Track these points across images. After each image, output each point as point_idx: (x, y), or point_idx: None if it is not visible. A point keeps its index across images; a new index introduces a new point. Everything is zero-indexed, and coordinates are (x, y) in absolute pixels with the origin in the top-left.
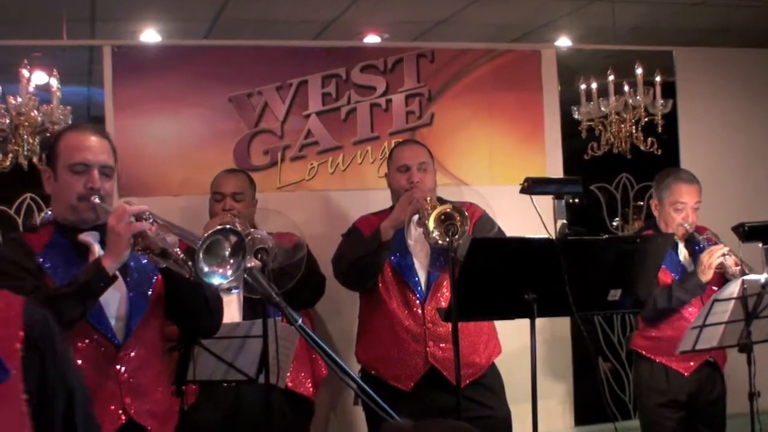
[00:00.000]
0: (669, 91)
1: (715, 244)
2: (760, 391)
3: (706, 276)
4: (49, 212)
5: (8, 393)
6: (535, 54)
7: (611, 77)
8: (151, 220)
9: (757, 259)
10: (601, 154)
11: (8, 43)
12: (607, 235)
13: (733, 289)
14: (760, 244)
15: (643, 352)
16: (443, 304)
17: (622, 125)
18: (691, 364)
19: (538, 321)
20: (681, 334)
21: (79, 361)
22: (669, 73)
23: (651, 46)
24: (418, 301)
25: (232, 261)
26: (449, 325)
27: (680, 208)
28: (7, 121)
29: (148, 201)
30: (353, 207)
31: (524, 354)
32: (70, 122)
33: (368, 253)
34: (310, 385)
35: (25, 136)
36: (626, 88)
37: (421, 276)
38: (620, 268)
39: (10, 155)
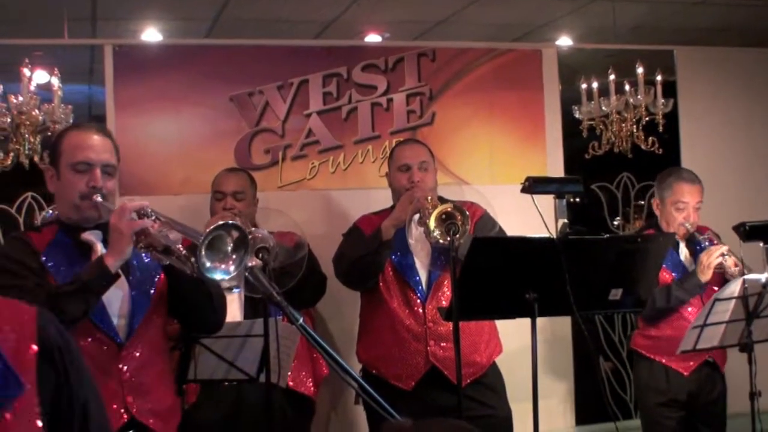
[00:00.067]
0: (670, 90)
1: (716, 244)
2: (761, 390)
3: (706, 276)
4: (50, 211)
5: (23, 407)
6: (536, 53)
7: (612, 76)
8: (153, 218)
9: (758, 259)
10: (602, 153)
11: (9, 42)
12: (608, 235)
13: (734, 288)
14: (761, 244)
15: (643, 352)
16: (444, 304)
17: (623, 124)
18: (691, 363)
19: (539, 320)
20: (680, 333)
21: None
22: (670, 73)
23: (652, 46)
24: (419, 301)
25: (234, 256)
26: (450, 325)
27: (682, 208)
28: (9, 120)
29: (149, 200)
30: (354, 206)
31: (525, 353)
32: (71, 121)
33: (369, 253)
34: (311, 384)
35: (27, 135)
36: (627, 87)
37: (422, 275)
38: (621, 268)
39: (11, 154)
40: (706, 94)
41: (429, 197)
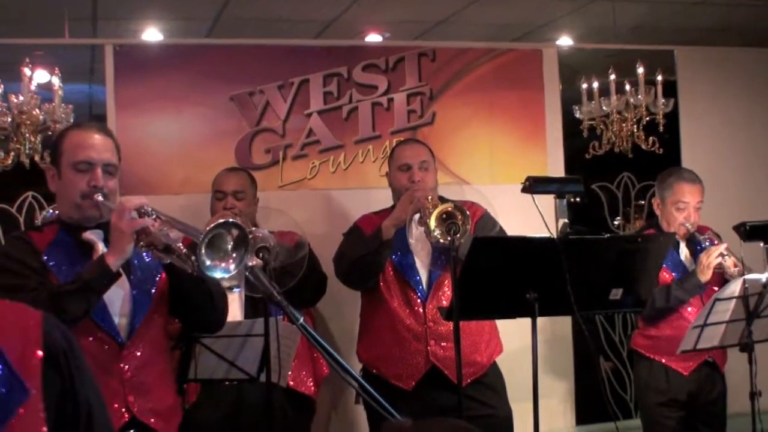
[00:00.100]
0: (670, 90)
1: (716, 244)
2: (762, 390)
3: (705, 276)
4: (50, 211)
5: (28, 414)
6: (537, 53)
7: (612, 76)
8: (153, 216)
9: (758, 259)
10: (603, 153)
11: (10, 41)
12: (608, 235)
13: (735, 288)
14: (762, 244)
15: (643, 352)
16: (444, 303)
17: (624, 124)
18: (690, 363)
19: (540, 320)
20: (680, 333)
21: None
22: (670, 73)
23: (652, 46)
24: (419, 300)
25: (234, 255)
26: (450, 324)
27: (682, 208)
28: (9, 119)
29: (150, 199)
30: (354, 206)
31: (525, 353)
32: (71, 121)
33: (369, 252)
34: (311, 383)
35: (27, 135)
36: (627, 87)
37: (423, 275)
38: (622, 268)
39: (12, 154)
40: (706, 94)
41: (429, 197)
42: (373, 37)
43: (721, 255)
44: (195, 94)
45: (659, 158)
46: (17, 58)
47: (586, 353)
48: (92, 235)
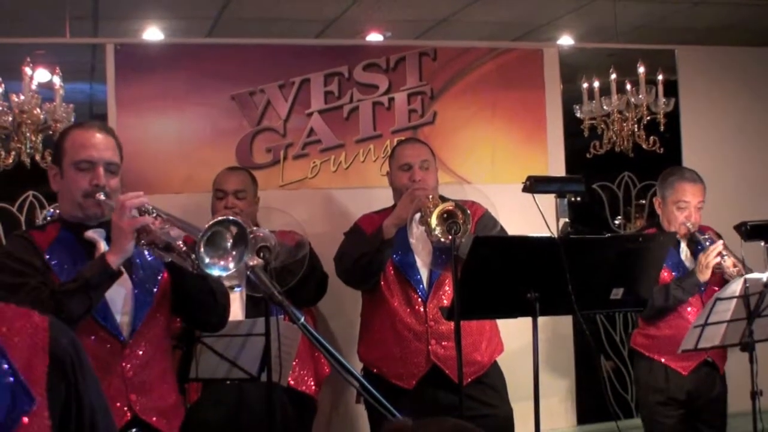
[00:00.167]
0: (671, 89)
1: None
2: (762, 389)
3: (704, 275)
4: (51, 210)
5: (33, 422)
6: (538, 53)
7: (613, 76)
8: (154, 214)
9: (759, 258)
10: (604, 152)
11: (11, 40)
12: (609, 234)
13: (735, 287)
14: (762, 243)
15: (643, 351)
16: (445, 303)
17: (625, 124)
18: (689, 363)
19: (540, 319)
20: (680, 333)
21: None
22: (671, 72)
23: (653, 45)
24: (420, 300)
25: (234, 253)
26: (451, 324)
27: (683, 207)
28: (10, 118)
29: (151, 199)
30: (355, 205)
31: (526, 352)
32: (72, 120)
33: (370, 252)
34: (312, 383)
35: (28, 134)
36: (628, 86)
37: (423, 274)
38: (622, 267)
39: (13, 153)
40: (707, 94)
41: (430, 196)
42: (374, 37)
43: (720, 255)
44: (196, 94)
45: (660, 158)
46: (18, 57)
47: (587, 352)
48: (94, 234)
